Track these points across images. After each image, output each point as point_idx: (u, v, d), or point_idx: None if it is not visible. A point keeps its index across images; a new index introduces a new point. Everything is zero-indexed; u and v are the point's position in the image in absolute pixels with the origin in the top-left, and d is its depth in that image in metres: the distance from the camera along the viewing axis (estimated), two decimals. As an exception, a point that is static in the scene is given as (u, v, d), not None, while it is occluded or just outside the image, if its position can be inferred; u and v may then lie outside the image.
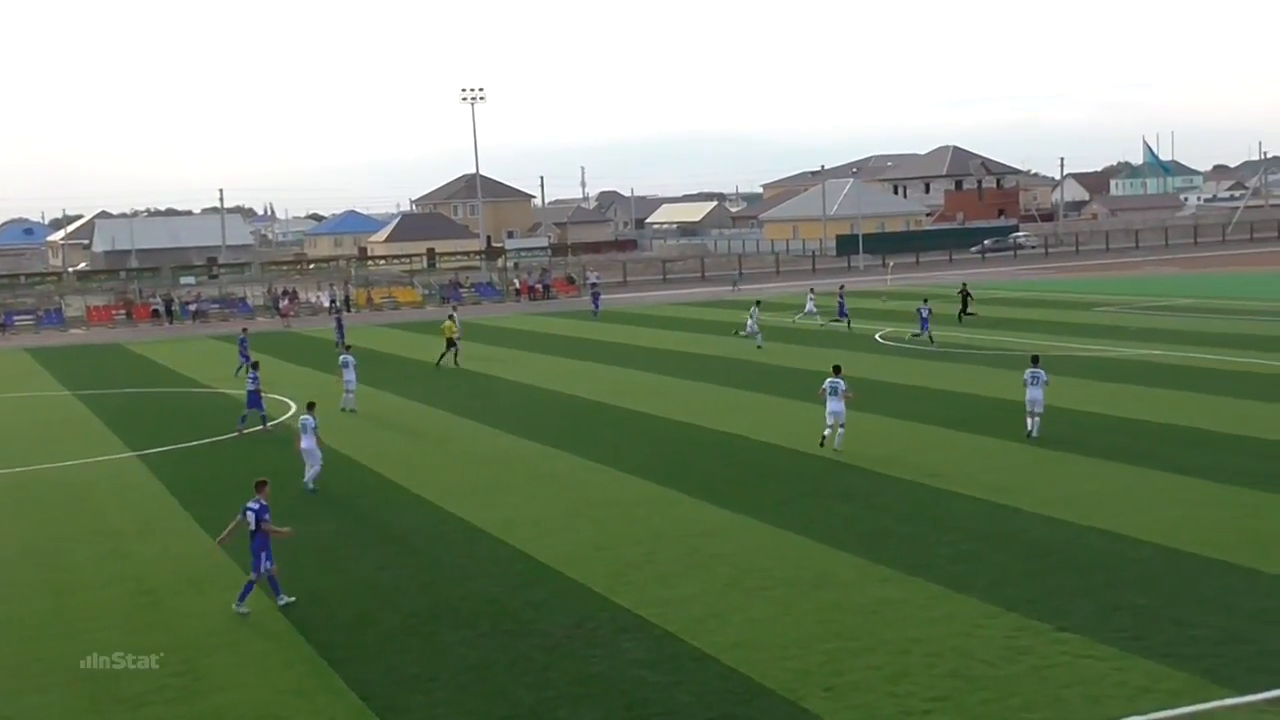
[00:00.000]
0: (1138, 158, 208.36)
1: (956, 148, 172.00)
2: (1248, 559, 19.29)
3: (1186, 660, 15.32)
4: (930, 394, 36.92)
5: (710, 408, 36.36)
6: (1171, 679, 14.79)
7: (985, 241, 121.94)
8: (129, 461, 32.21)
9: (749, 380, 41.72)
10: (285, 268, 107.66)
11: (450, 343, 49.13)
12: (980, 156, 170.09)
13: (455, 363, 48.38)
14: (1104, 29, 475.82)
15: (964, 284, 60.63)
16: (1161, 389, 35.84)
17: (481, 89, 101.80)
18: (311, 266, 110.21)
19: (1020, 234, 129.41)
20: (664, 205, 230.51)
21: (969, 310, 56.72)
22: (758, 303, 55.29)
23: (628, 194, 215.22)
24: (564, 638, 17.35)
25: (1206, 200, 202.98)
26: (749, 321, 52.51)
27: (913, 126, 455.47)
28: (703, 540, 22.01)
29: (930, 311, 50.25)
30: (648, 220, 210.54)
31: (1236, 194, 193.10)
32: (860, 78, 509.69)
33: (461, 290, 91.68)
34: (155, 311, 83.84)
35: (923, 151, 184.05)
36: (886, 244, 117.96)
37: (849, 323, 56.91)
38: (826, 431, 29.26)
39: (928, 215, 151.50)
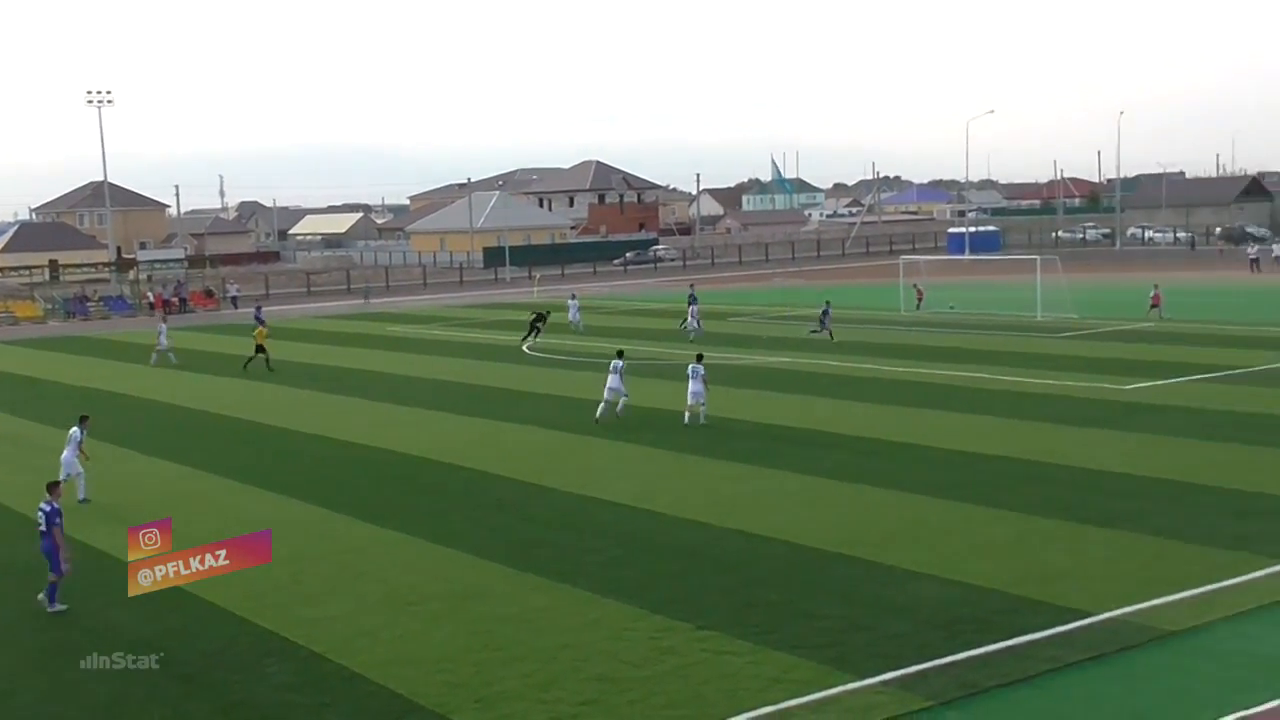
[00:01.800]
0: (767, 175, 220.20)
1: (599, 162, 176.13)
2: (868, 552, 20.72)
3: (814, 650, 16.32)
4: (574, 403, 37.68)
5: (360, 423, 35.81)
6: (801, 668, 15.72)
7: (627, 254, 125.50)
8: None
9: (399, 394, 41.35)
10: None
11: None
12: (622, 171, 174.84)
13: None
14: (738, 54, 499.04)
15: (544, 310, 58.56)
16: (791, 394, 37.92)
17: (109, 91, 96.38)
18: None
19: (660, 247, 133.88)
20: (308, 216, 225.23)
21: (533, 335, 54.41)
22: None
23: (270, 204, 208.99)
24: (203, 666, 16.73)
25: (828, 216, 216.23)
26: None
27: (557, 141, 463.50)
28: (352, 558, 21.69)
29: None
30: (291, 231, 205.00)
31: (854, 210, 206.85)
32: (504, 92, 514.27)
33: (89, 304, 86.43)
34: None
35: (567, 166, 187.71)
36: (533, 256, 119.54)
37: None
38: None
39: (572, 228, 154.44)
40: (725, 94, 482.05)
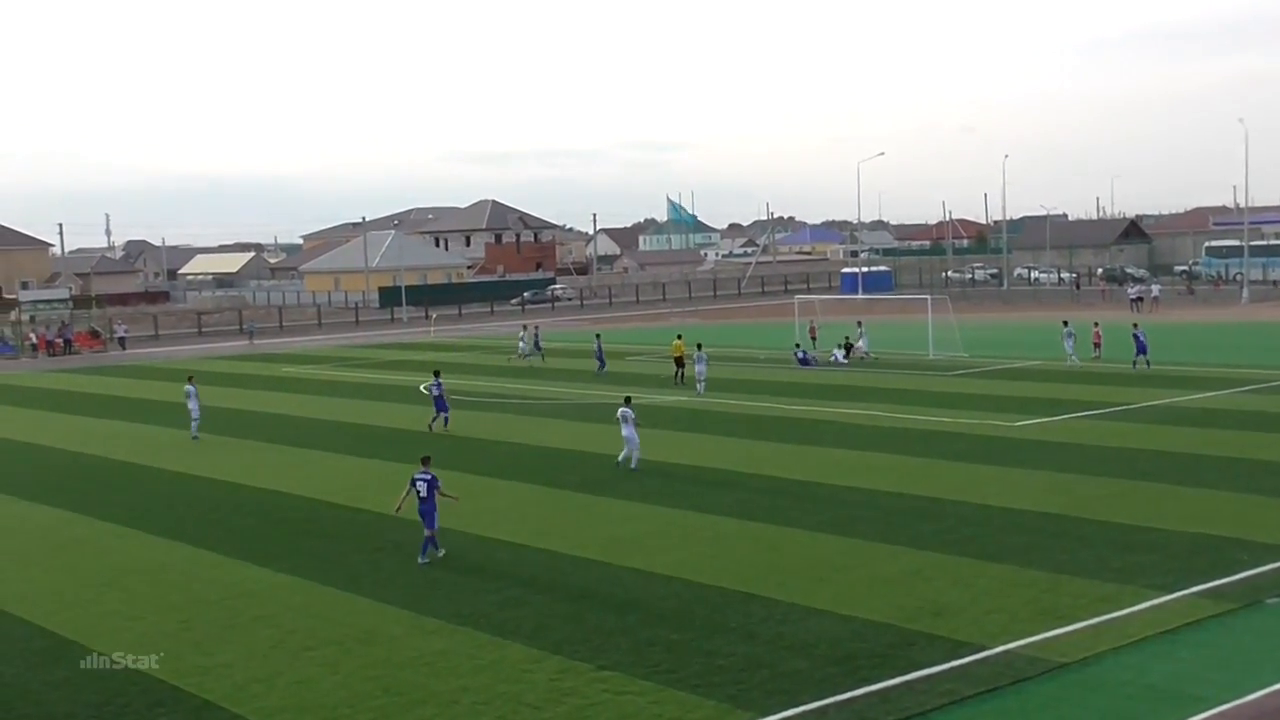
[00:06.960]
0: (663, 215, 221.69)
1: (495, 202, 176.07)
2: (766, 589, 20.83)
3: (715, 688, 16.34)
4: (472, 444, 37.45)
5: (250, 464, 35.22)
6: (702, 707, 15.73)
7: (525, 294, 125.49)
8: None
9: (290, 435, 40.75)
10: None
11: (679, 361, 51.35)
12: (519, 211, 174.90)
13: (678, 381, 50.41)
14: (632, 95, 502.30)
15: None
16: (688, 433, 38.06)
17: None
18: None
19: (557, 286, 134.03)
20: (198, 256, 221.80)
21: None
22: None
23: (158, 243, 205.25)
24: (89, 718, 16.24)
25: (724, 256, 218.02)
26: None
27: (452, 180, 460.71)
28: (244, 603, 21.27)
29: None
30: (181, 271, 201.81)
31: (749, 250, 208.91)
32: (399, 129, 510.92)
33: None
34: None
35: (463, 205, 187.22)
36: (429, 296, 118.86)
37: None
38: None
39: (469, 268, 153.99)
40: (621, 134, 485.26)
